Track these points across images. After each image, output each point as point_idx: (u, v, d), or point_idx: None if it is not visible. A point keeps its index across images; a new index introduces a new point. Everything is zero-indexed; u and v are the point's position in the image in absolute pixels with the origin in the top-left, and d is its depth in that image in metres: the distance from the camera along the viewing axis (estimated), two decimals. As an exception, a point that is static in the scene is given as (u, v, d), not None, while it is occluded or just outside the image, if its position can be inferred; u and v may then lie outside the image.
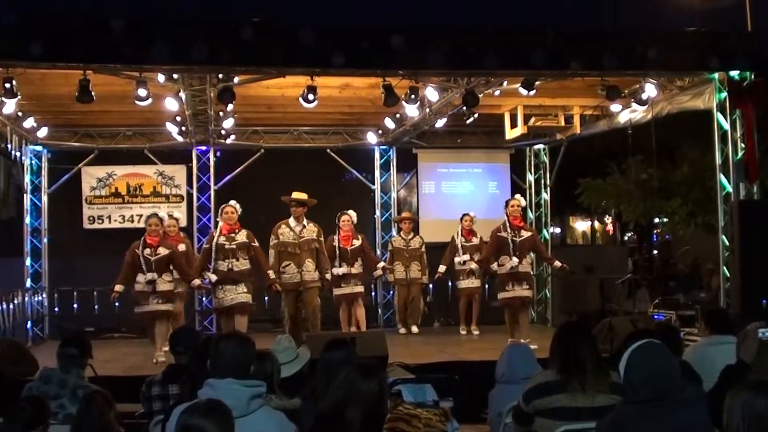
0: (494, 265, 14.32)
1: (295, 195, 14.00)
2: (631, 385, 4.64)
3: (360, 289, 15.09)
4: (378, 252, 18.29)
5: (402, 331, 16.16)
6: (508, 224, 14.00)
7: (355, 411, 4.81)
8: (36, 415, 5.51)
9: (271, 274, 13.38)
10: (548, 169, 18.87)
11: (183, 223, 16.91)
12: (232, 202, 13.58)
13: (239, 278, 13.28)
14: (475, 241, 15.89)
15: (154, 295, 12.94)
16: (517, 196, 14.98)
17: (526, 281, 14.11)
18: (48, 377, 6.59)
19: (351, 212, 15.23)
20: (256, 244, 13.44)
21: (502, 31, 12.04)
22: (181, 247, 14.26)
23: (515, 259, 13.79)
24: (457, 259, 15.87)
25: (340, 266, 14.78)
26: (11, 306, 15.30)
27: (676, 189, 22.41)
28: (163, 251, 13.03)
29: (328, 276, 14.03)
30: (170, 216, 14.76)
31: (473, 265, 15.30)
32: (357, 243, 15.05)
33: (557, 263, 14.48)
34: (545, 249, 14.13)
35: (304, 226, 13.88)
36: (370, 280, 17.02)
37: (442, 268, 15.90)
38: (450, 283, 16.78)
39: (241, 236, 13.34)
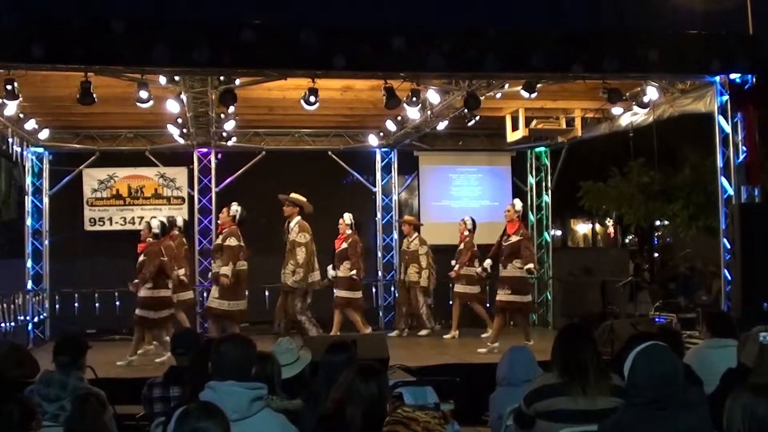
0: (479, 269, 15.18)
1: (293, 195, 14.04)
2: (634, 387, 4.64)
3: (345, 294, 15.08)
4: (379, 254, 18.38)
5: (392, 333, 16.07)
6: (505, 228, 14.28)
7: (355, 412, 4.83)
8: (23, 417, 5.50)
9: (222, 269, 13.24)
10: (549, 172, 18.88)
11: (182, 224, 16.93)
12: (232, 204, 13.67)
13: (215, 280, 13.45)
14: (461, 246, 15.99)
15: (137, 301, 13.11)
16: (514, 200, 14.94)
17: (509, 285, 14.06)
18: (49, 380, 6.58)
19: (345, 215, 15.29)
20: (230, 243, 13.32)
21: (503, 34, 12.03)
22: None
23: (501, 265, 14.19)
24: (453, 262, 16.04)
25: (333, 269, 14.93)
26: (12, 307, 15.30)
27: (678, 192, 22.38)
28: (141, 258, 13.10)
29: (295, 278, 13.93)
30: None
31: (478, 269, 15.33)
32: (344, 246, 15.07)
33: (530, 266, 14.35)
34: (527, 254, 14.00)
35: (291, 228, 13.91)
36: (371, 282, 17.11)
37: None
38: (451, 286, 16.76)
39: (221, 237, 13.42)
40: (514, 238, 14.07)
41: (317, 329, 13.83)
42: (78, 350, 6.96)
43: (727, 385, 5.69)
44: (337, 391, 5.01)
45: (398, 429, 4.65)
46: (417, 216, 18.44)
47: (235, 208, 13.59)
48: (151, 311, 12.99)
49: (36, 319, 16.77)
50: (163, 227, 13.53)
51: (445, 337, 15.77)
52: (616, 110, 14.79)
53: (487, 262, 14.85)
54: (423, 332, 16.17)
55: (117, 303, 16.25)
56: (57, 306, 17.38)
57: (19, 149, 15.87)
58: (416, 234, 16.59)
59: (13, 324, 15.22)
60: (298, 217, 13.91)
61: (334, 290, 15.08)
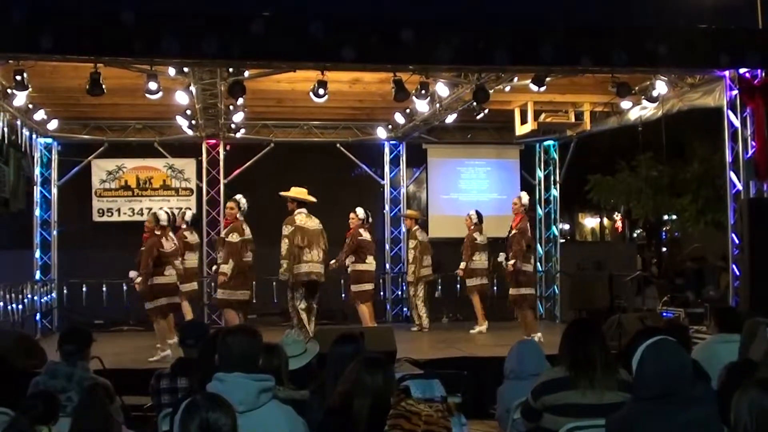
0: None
1: (292, 191, 13.86)
2: (642, 381, 4.64)
3: (353, 287, 14.98)
4: (387, 247, 18.40)
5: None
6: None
7: (362, 404, 4.83)
8: (47, 410, 5.54)
9: (222, 268, 13.17)
10: (558, 166, 18.86)
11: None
12: (237, 196, 13.60)
13: (216, 273, 13.45)
14: (466, 240, 16.00)
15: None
16: (520, 193, 14.90)
17: (510, 279, 14.16)
18: (54, 371, 6.60)
19: (357, 209, 15.14)
20: (231, 239, 13.16)
21: (513, 27, 12.03)
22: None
23: (503, 257, 14.32)
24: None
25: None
26: (20, 298, 15.33)
27: (686, 186, 22.41)
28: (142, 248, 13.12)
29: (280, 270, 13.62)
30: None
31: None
32: (348, 240, 15.02)
33: (501, 259, 14.42)
34: (515, 249, 14.05)
35: None
36: (378, 275, 17.13)
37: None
38: (458, 280, 16.75)
39: (225, 231, 13.47)
40: (514, 231, 14.11)
41: (303, 326, 13.28)
42: (84, 340, 6.98)
43: (734, 380, 5.69)
44: (344, 383, 5.01)
45: (400, 423, 4.66)
46: (425, 209, 18.45)
47: (237, 198, 13.54)
48: (146, 301, 12.99)
49: (44, 310, 16.79)
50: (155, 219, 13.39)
51: (471, 331, 15.75)
52: (625, 104, 14.77)
53: (501, 255, 14.83)
54: (413, 328, 16.13)
55: (125, 294, 16.26)
56: (65, 296, 17.45)
57: (28, 139, 15.88)
58: (416, 227, 16.56)
59: (21, 314, 15.24)
60: (297, 211, 13.71)
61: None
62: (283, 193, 13.74)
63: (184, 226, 14.85)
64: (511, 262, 13.89)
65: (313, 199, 13.81)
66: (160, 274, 12.96)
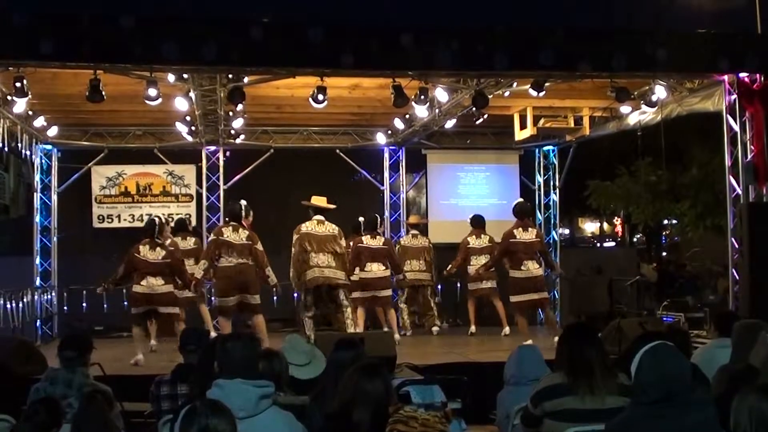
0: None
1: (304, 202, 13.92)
2: (641, 386, 4.64)
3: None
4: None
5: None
6: None
7: (363, 411, 4.82)
8: (49, 417, 5.54)
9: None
10: (557, 171, 18.86)
11: (192, 222, 16.98)
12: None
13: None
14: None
15: None
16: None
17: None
18: (54, 378, 6.61)
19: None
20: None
21: (512, 31, 12.02)
22: None
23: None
24: None
25: None
26: (21, 304, 15.32)
27: (685, 191, 22.39)
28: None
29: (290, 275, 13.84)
30: None
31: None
32: None
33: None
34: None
35: None
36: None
37: None
38: (458, 284, 16.72)
39: None
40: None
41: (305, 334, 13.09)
42: (84, 346, 6.99)
43: (735, 386, 5.69)
44: (344, 390, 5.00)
45: (397, 427, 4.66)
46: (425, 214, 18.45)
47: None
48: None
49: (44, 316, 16.79)
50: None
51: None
52: (625, 109, 14.78)
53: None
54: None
55: (125, 300, 16.24)
56: (65, 303, 17.43)
57: (28, 146, 15.88)
58: (413, 232, 16.51)
59: (21, 320, 15.23)
60: (313, 217, 13.68)
61: None
62: (303, 202, 13.81)
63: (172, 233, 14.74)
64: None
65: (328, 206, 13.78)
66: (137, 282, 12.87)
